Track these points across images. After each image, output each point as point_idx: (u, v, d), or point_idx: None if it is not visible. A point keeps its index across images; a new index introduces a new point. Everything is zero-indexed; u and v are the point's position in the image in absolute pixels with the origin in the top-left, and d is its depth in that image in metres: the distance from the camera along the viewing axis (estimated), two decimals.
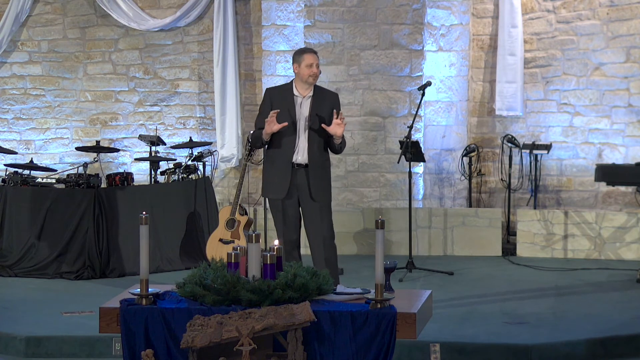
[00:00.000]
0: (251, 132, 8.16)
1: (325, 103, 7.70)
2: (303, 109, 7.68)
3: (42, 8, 12.18)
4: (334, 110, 7.60)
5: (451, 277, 9.94)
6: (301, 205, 7.72)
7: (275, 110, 7.56)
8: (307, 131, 7.66)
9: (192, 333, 5.28)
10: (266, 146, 7.80)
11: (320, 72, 7.78)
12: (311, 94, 7.72)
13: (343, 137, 7.71)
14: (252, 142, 7.95)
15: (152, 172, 10.96)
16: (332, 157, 10.32)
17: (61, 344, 7.56)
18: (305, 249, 8.01)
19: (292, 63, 7.82)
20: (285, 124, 7.57)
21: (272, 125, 7.56)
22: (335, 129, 7.56)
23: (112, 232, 10.08)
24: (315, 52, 7.79)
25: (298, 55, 7.77)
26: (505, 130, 11.66)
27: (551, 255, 10.99)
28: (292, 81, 7.82)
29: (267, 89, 8.03)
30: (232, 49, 11.73)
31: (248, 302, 5.37)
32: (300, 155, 7.68)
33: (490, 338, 7.47)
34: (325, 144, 7.73)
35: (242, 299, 5.39)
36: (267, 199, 8.19)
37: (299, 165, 7.68)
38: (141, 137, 11.52)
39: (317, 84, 7.87)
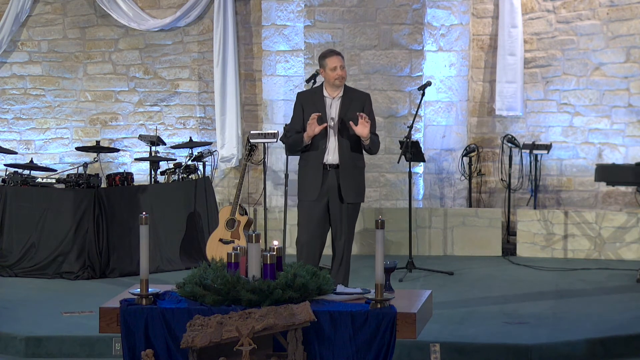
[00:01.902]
0: (253, 132, 8.16)
1: (355, 103, 7.71)
2: (333, 110, 7.71)
3: (42, 8, 12.18)
4: (357, 113, 7.59)
5: (451, 277, 9.94)
6: (330, 205, 7.71)
7: (317, 113, 7.59)
8: (336, 132, 7.67)
9: (192, 333, 5.28)
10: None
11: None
12: (341, 94, 7.74)
13: (374, 137, 7.71)
14: (290, 148, 7.90)
15: (152, 172, 10.96)
16: None
17: (61, 344, 7.56)
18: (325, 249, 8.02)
19: (319, 67, 7.86)
20: (326, 124, 7.60)
21: (314, 128, 7.59)
22: (360, 129, 7.56)
23: (112, 232, 10.07)
24: (339, 54, 7.80)
25: (322, 59, 7.79)
26: (505, 130, 11.66)
27: (551, 255, 10.99)
28: (322, 83, 7.86)
29: (297, 94, 8.03)
30: (232, 49, 11.73)
31: (248, 302, 5.37)
32: (331, 155, 7.69)
33: (490, 338, 7.46)
34: (357, 144, 7.72)
35: (242, 299, 5.39)
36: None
37: (330, 166, 7.68)
38: (141, 137, 11.52)
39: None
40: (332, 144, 7.69)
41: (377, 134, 7.81)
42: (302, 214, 7.80)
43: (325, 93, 7.76)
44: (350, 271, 7.87)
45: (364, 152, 7.80)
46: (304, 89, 8.91)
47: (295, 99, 7.98)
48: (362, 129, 7.55)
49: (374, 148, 7.77)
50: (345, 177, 7.68)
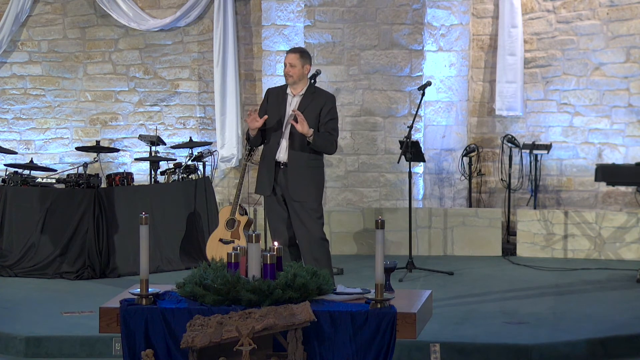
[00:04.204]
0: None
1: (314, 103, 7.71)
2: (291, 108, 7.72)
3: (42, 8, 12.18)
4: (293, 110, 7.62)
5: (451, 277, 9.94)
6: (286, 204, 7.76)
7: (254, 109, 7.70)
8: (287, 129, 7.69)
9: (192, 333, 5.28)
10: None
11: (302, 72, 7.76)
12: (302, 92, 7.76)
13: (328, 135, 7.69)
14: (248, 140, 8.05)
15: (152, 172, 10.96)
16: (333, 157, 10.37)
17: (61, 344, 7.56)
18: None
19: None
20: (266, 117, 7.65)
21: (254, 122, 7.65)
22: (299, 127, 7.55)
23: (112, 232, 10.07)
24: (294, 52, 7.84)
25: None
26: (505, 130, 11.65)
27: (551, 255, 10.99)
28: None
29: (267, 89, 8.16)
30: (232, 49, 11.73)
31: (248, 302, 5.37)
32: (282, 153, 7.73)
33: (490, 338, 7.47)
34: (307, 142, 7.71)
35: (242, 299, 5.39)
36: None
37: (281, 163, 7.72)
38: (141, 137, 11.52)
39: (318, 84, 7.93)
40: (285, 142, 7.72)
41: (333, 134, 7.74)
42: (267, 212, 7.94)
43: (288, 90, 7.81)
44: (333, 274, 7.88)
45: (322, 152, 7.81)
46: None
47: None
48: (299, 126, 7.55)
49: (323, 146, 7.71)
50: (293, 176, 7.69)
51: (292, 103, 7.74)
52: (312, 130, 7.57)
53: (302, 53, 7.83)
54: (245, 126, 11.82)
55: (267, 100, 7.89)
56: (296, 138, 7.66)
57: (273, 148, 7.74)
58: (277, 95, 7.84)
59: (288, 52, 7.88)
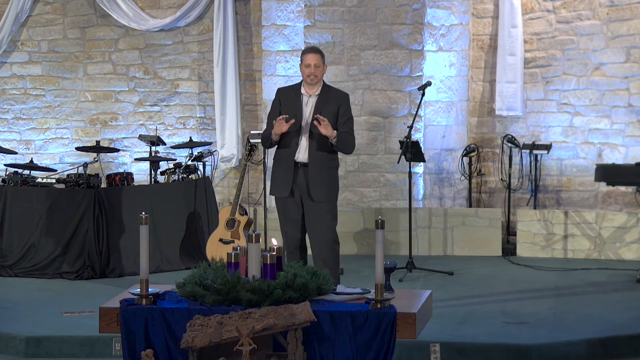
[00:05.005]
0: (253, 132, 8.24)
1: (331, 102, 7.71)
2: (308, 108, 7.71)
3: (42, 8, 12.18)
4: (315, 115, 7.61)
5: (451, 277, 9.94)
6: (303, 204, 7.73)
7: (284, 116, 7.60)
8: (309, 130, 7.67)
9: (192, 333, 5.28)
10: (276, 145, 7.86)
11: (323, 72, 7.78)
12: (318, 92, 7.74)
13: (348, 136, 7.70)
14: (262, 142, 8.00)
15: (152, 172, 10.96)
16: None
17: (61, 344, 7.56)
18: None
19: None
20: (293, 121, 7.60)
21: (281, 126, 7.60)
22: (322, 129, 7.55)
23: (112, 232, 10.07)
24: (316, 52, 7.80)
25: (301, 55, 7.88)
26: (505, 130, 11.66)
27: (551, 255, 10.99)
28: (302, 80, 7.86)
29: (277, 89, 8.08)
30: (232, 49, 11.73)
31: (248, 302, 5.37)
32: (302, 154, 7.70)
33: (490, 338, 7.47)
34: (328, 143, 7.72)
35: (242, 299, 5.39)
36: (273, 198, 8.22)
37: (301, 164, 7.69)
38: (141, 137, 11.52)
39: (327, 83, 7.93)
40: (304, 142, 7.69)
41: (351, 134, 7.76)
42: (280, 213, 7.87)
43: (302, 90, 7.78)
44: (339, 276, 7.87)
45: (338, 152, 7.80)
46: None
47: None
48: (324, 129, 7.55)
49: (344, 147, 7.73)
50: (314, 176, 7.67)
51: (309, 103, 7.72)
52: (335, 132, 7.59)
53: (322, 53, 7.86)
54: (245, 126, 11.86)
55: (279, 101, 7.83)
56: (316, 138, 7.65)
57: (291, 149, 7.70)
58: (290, 96, 7.80)
59: (309, 52, 7.80)
